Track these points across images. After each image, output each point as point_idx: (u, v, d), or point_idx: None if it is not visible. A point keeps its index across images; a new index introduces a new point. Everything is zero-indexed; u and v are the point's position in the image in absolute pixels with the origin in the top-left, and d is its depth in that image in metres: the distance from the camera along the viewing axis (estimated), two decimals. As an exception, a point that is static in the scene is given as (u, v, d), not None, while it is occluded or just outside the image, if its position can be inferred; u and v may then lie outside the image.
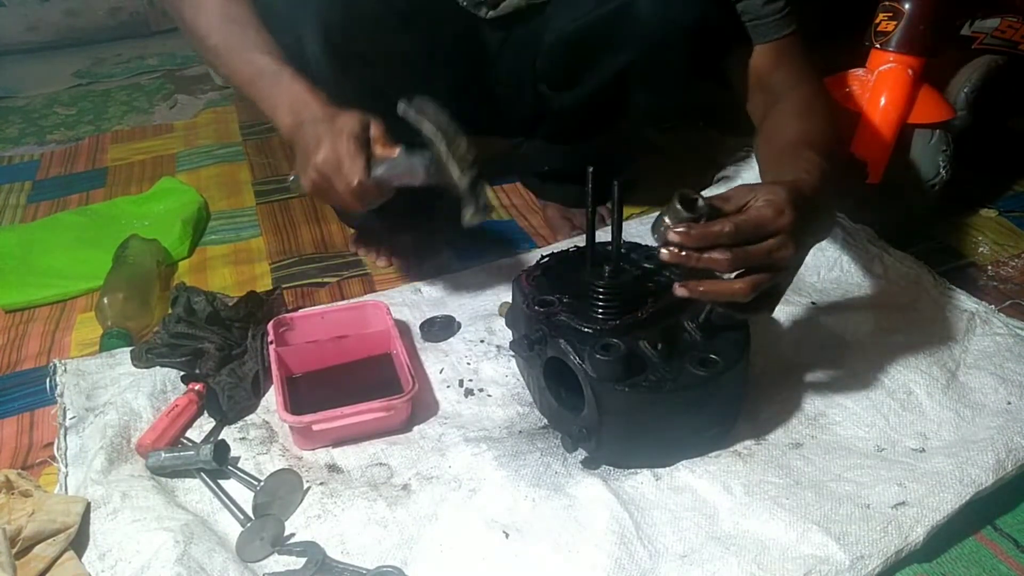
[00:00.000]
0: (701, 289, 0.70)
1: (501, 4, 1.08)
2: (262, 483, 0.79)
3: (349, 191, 0.91)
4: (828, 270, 1.12)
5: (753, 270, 0.70)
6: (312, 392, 0.94)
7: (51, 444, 0.89)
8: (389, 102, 1.07)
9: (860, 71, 1.15)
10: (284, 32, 1.01)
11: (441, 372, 0.98)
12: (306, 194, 1.04)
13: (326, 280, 1.20)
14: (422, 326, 1.05)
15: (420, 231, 1.27)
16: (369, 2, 0.99)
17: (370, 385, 0.93)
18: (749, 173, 1.24)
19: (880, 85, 1.11)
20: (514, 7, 1.07)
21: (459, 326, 1.06)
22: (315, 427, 0.84)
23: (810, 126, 0.90)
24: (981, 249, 1.21)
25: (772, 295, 0.74)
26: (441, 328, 1.04)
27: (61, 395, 0.93)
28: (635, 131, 1.21)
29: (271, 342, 0.95)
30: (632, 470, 0.81)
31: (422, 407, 0.92)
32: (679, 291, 0.71)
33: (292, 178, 1.02)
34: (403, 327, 1.05)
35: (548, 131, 1.27)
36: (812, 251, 1.11)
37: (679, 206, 0.68)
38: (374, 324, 1.00)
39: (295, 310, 1.07)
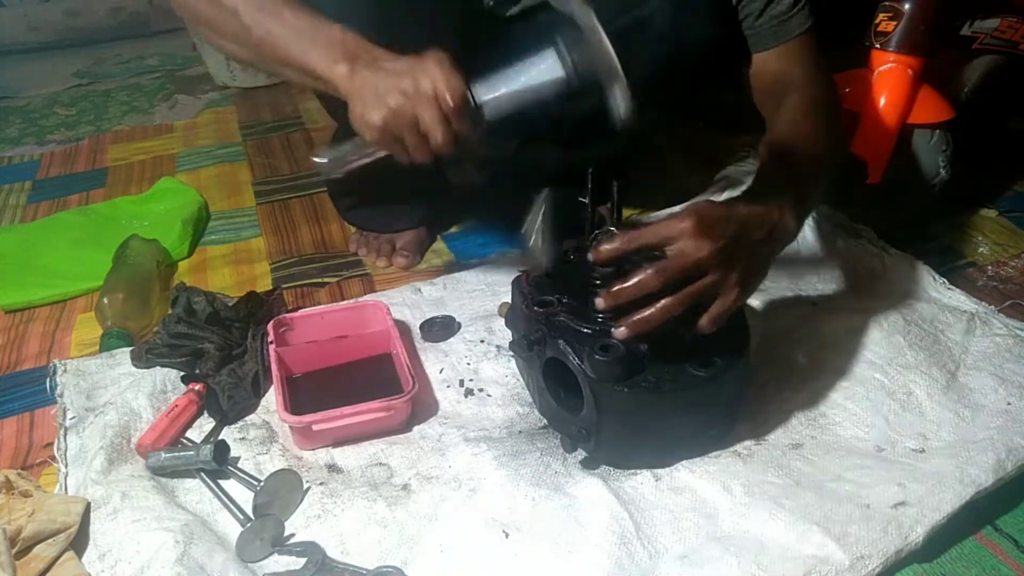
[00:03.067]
0: (635, 320, 0.72)
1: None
2: (262, 483, 0.79)
3: (444, 117, 0.74)
4: (828, 271, 1.12)
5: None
6: (312, 392, 0.94)
7: (51, 444, 0.89)
8: None
9: (860, 71, 1.15)
10: None
11: (441, 372, 0.98)
12: (331, 173, 0.86)
13: (326, 280, 1.20)
14: (422, 326, 1.05)
15: (420, 231, 1.27)
16: None
17: (370, 385, 0.93)
18: (749, 173, 1.24)
19: (880, 85, 1.11)
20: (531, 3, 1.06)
21: (459, 326, 1.06)
22: (315, 427, 0.84)
23: (800, 135, 0.89)
24: (981, 249, 1.21)
25: (715, 310, 0.74)
26: (441, 328, 1.04)
27: (61, 395, 0.93)
28: (639, 138, 1.21)
29: (271, 342, 0.95)
30: (632, 470, 0.81)
31: (422, 407, 0.92)
32: (619, 334, 0.73)
33: (321, 159, 0.85)
34: (403, 327, 1.05)
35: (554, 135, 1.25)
36: (813, 252, 1.13)
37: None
38: (374, 324, 1.00)
39: (295, 310, 1.07)
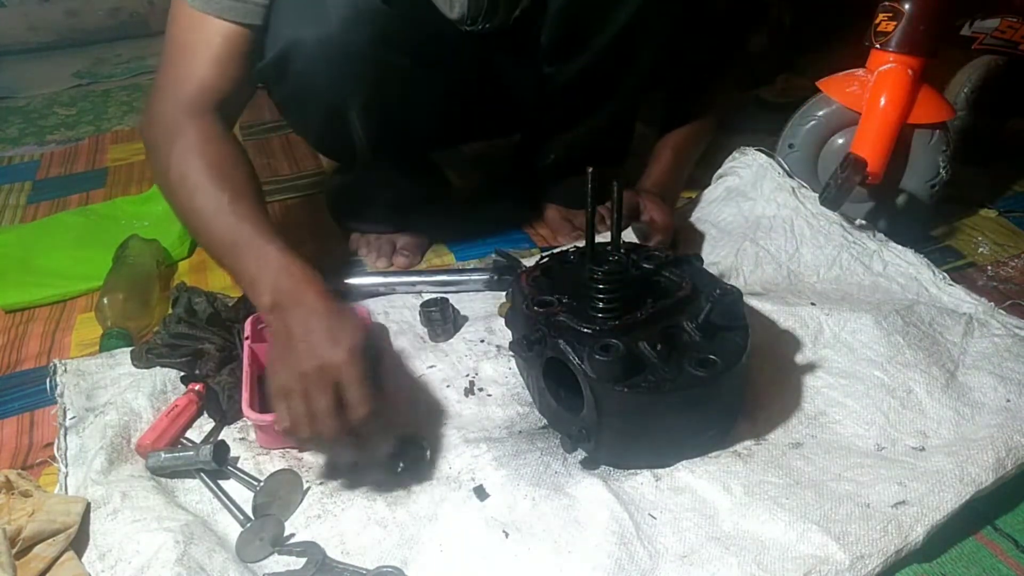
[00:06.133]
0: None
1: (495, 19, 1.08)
2: (262, 483, 0.79)
3: (340, 427, 0.74)
4: (827, 269, 1.12)
5: None
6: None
7: (51, 444, 0.89)
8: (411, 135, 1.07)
9: (860, 71, 1.15)
10: (319, 106, 1.00)
11: (440, 372, 0.98)
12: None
13: (326, 280, 1.20)
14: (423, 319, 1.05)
15: (420, 231, 1.27)
16: (386, 50, 0.97)
17: None
18: (747, 172, 1.24)
19: (880, 85, 1.10)
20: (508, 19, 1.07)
21: (456, 312, 1.06)
22: (277, 426, 0.83)
23: None
24: (981, 249, 1.21)
25: None
26: (441, 328, 1.04)
27: (61, 395, 0.93)
28: (636, 101, 1.22)
29: (247, 338, 0.94)
30: (632, 470, 0.81)
31: (421, 407, 0.92)
32: None
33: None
34: (404, 328, 1.05)
35: (551, 117, 1.25)
36: (812, 250, 1.13)
37: None
38: None
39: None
